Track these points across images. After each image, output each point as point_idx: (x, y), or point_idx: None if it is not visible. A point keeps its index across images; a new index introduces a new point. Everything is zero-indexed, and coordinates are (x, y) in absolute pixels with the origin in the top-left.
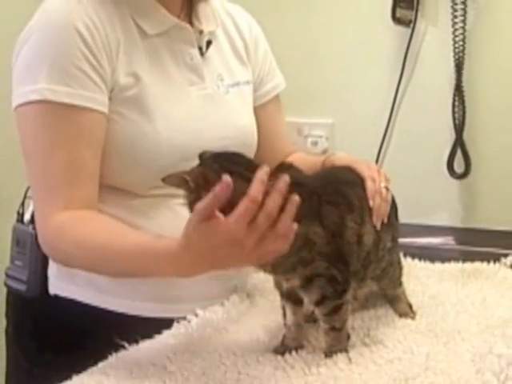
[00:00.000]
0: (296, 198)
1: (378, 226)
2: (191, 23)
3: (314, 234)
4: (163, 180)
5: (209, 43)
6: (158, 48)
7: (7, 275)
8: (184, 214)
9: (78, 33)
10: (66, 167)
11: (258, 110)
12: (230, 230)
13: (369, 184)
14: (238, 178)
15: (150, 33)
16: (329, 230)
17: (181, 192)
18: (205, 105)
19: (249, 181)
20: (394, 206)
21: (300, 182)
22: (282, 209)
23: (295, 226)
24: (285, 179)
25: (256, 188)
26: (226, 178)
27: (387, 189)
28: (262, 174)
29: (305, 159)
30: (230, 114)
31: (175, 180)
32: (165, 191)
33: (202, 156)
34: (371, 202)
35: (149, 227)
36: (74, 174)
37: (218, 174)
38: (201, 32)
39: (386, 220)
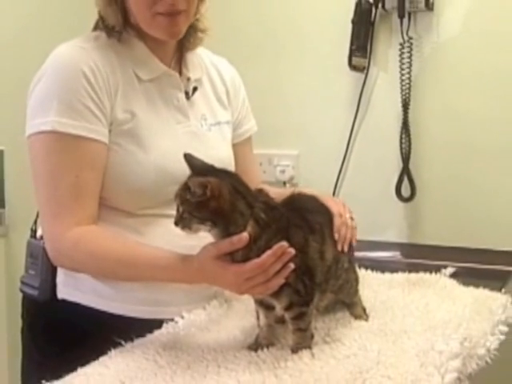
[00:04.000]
0: (291, 264)
1: (346, 249)
2: (180, 71)
3: None
4: (188, 180)
5: (195, 89)
6: (151, 91)
7: (22, 282)
8: (173, 229)
9: (83, 74)
10: (74, 188)
11: (234, 148)
12: (234, 277)
13: (336, 220)
14: (242, 199)
15: (144, 78)
16: (295, 248)
17: (169, 212)
18: (189, 140)
19: (249, 205)
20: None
21: (274, 206)
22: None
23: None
24: (283, 246)
25: (267, 260)
26: (246, 236)
27: (352, 218)
28: (278, 249)
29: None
30: (212, 148)
31: (197, 183)
32: (156, 211)
33: (186, 157)
34: (336, 235)
35: (143, 242)
36: (81, 194)
37: (230, 191)
38: (188, 79)
39: (354, 241)
